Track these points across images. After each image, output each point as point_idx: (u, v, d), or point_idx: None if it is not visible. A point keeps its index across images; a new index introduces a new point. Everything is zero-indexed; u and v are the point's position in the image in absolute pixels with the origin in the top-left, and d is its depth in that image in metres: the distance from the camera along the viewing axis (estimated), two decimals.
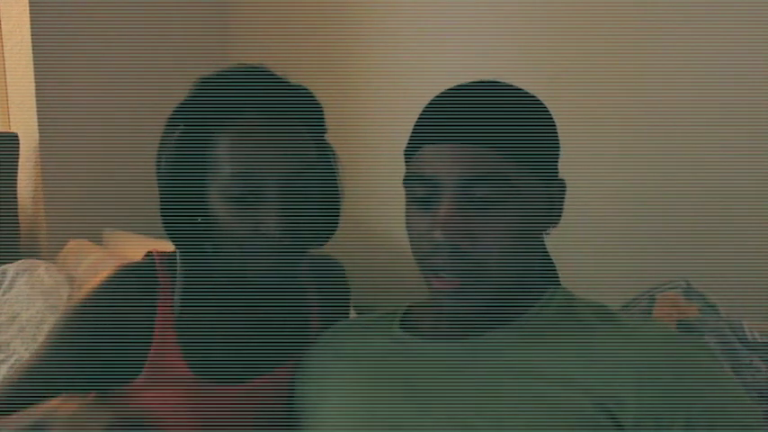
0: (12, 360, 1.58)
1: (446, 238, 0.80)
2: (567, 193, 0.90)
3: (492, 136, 0.81)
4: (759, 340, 1.06)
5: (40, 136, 2.00)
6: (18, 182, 2.01)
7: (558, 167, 0.89)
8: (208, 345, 0.98)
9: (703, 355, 0.82)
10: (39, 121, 1.99)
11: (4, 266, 1.79)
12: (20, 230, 2.03)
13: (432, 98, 0.89)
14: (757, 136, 1.35)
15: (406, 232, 0.88)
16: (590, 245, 1.46)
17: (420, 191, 0.84)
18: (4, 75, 2.09)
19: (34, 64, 1.97)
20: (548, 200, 0.87)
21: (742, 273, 1.34)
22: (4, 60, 2.09)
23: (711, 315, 1.09)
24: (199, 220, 0.96)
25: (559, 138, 0.89)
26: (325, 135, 1.02)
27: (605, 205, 1.50)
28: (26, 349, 1.58)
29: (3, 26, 2.07)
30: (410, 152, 0.88)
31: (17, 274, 1.76)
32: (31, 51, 1.97)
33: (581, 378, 0.78)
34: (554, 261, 1.02)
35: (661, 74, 1.44)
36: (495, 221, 0.81)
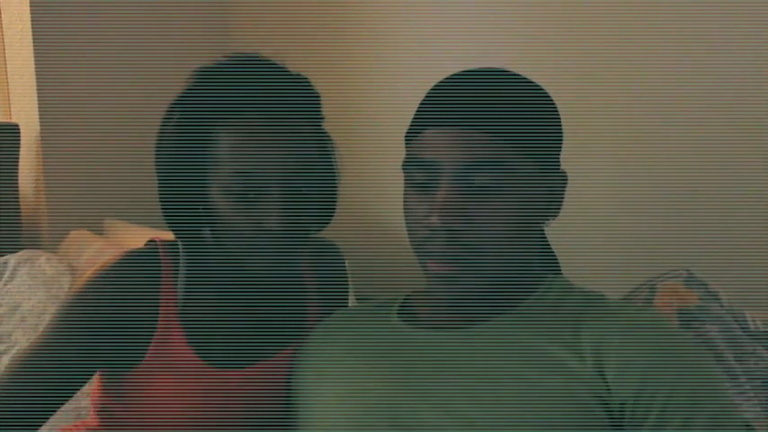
0: (13, 351, 1.57)
1: (443, 222, 0.79)
2: (568, 184, 0.89)
3: (495, 122, 0.80)
4: (762, 329, 1.06)
5: (41, 126, 1.99)
6: (19, 172, 2.00)
7: (561, 159, 0.88)
8: (212, 329, 0.98)
9: (687, 340, 0.82)
10: (40, 112, 1.99)
11: (6, 257, 1.78)
12: (21, 221, 2.03)
13: (436, 82, 0.88)
14: (761, 126, 1.34)
15: (404, 217, 0.87)
16: (592, 235, 1.46)
17: (419, 175, 0.84)
18: (5, 65, 2.08)
19: (35, 54, 1.96)
20: (548, 191, 0.86)
21: (744, 262, 1.34)
22: (4, 50, 2.08)
23: (713, 303, 1.08)
24: (199, 212, 0.96)
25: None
26: (323, 123, 1.01)
27: (607, 195, 1.49)
28: (27, 340, 1.57)
29: (3, 16, 2.06)
30: (411, 136, 0.87)
31: (18, 264, 1.76)
32: (31, 41, 1.96)
33: (573, 366, 0.78)
34: (555, 252, 1.01)
35: (662, 67, 1.44)
36: (492, 208, 0.80)
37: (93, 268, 0.96)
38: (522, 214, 0.82)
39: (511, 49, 1.50)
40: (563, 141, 0.88)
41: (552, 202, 0.88)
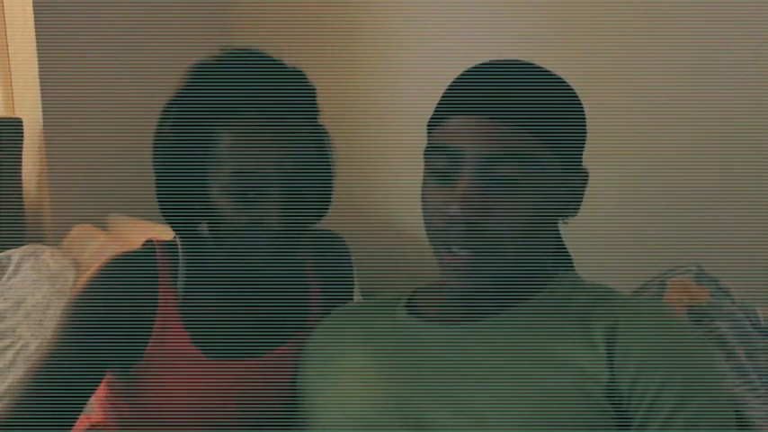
0: (18, 345, 1.57)
1: (463, 212, 0.78)
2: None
3: (522, 114, 0.79)
4: None
5: (45, 121, 1.99)
6: (22, 168, 2.00)
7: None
8: (213, 323, 0.98)
9: (690, 334, 0.82)
10: (43, 107, 1.98)
11: (9, 252, 1.78)
12: (24, 216, 2.03)
13: (464, 70, 0.87)
14: None
15: (421, 205, 0.86)
16: (602, 231, 1.44)
17: (440, 163, 0.82)
18: (8, 60, 2.08)
19: (38, 49, 1.96)
20: (569, 188, 0.85)
21: (756, 258, 1.32)
22: (7, 45, 2.07)
23: (724, 300, 1.06)
24: (197, 210, 0.95)
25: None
26: (318, 117, 1.00)
27: (617, 191, 1.48)
28: (32, 335, 1.58)
29: (6, 11, 2.05)
30: (434, 123, 0.86)
31: (22, 258, 1.76)
32: (34, 36, 1.95)
33: (581, 362, 0.78)
34: (568, 249, 1.00)
35: (673, 64, 1.43)
36: (513, 201, 0.79)
37: (91, 270, 0.96)
38: (541, 210, 0.81)
39: (516, 47, 1.48)
40: (586, 139, 0.87)
41: (572, 201, 0.87)
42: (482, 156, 0.79)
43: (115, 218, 1.99)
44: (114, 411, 1.00)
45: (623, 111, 1.48)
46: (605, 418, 0.75)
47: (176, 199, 0.96)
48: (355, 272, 1.19)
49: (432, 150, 0.84)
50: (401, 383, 0.84)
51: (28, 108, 2.02)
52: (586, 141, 0.87)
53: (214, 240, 0.97)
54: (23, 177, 2.01)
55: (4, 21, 2.06)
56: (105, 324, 0.92)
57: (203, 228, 0.98)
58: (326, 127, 1.01)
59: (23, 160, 1.99)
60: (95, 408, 1.04)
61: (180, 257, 0.98)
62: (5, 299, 1.69)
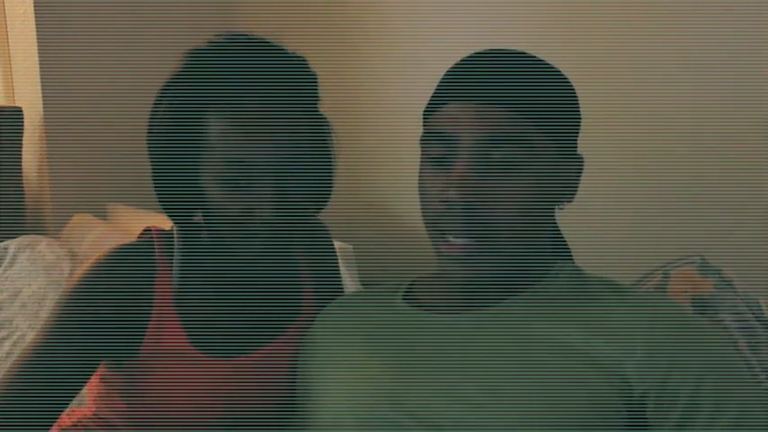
0: (15, 337, 1.57)
1: (460, 197, 0.78)
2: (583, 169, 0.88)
3: (516, 99, 0.79)
4: None
5: (45, 110, 1.98)
6: (23, 156, 1.99)
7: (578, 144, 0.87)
8: (207, 317, 0.96)
9: (712, 331, 0.81)
10: (43, 96, 1.97)
11: (6, 243, 1.77)
12: (25, 205, 2.02)
13: (460, 59, 0.87)
14: None
15: (418, 193, 0.86)
16: (605, 220, 1.45)
17: (437, 149, 0.82)
18: (8, 49, 2.07)
19: (38, 38, 1.95)
20: (564, 173, 0.84)
21: (759, 249, 1.32)
22: (7, 34, 2.07)
23: (727, 291, 1.05)
24: (191, 196, 0.93)
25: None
26: (318, 105, 0.97)
27: (621, 180, 1.48)
28: (29, 326, 1.57)
29: (6, 0, 2.04)
30: (430, 110, 0.86)
31: (18, 250, 1.75)
32: (34, 25, 1.94)
33: (587, 351, 0.77)
34: (566, 238, 0.99)
35: (674, 55, 1.42)
36: (509, 185, 0.79)
37: (88, 263, 0.94)
38: (537, 194, 0.80)
39: (515, 44, 1.48)
40: (581, 126, 0.87)
41: (568, 186, 0.86)
42: (477, 139, 0.79)
43: (115, 207, 1.98)
44: (109, 406, 0.99)
45: (626, 103, 1.47)
46: (608, 407, 0.74)
47: (171, 185, 0.94)
48: (354, 262, 1.18)
49: (428, 137, 0.84)
50: (399, 370, 0.84)
51: (28, 97, 2.01)
52: (580, 127, 0.87)
53: (208, 229, 0.95)
54: (23, 166, 2.00)
55: (4, 10, 2.05)
56: (100, 316, 0.90)
57: (198, 216, 0.96)
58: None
59: (23, 149, 1.99)
60: (88, 402, 1.03)
61: (176, 248, 0.97)
62: (2, 290, 1.68)
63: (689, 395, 0.73)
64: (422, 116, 0.87)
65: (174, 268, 0.95)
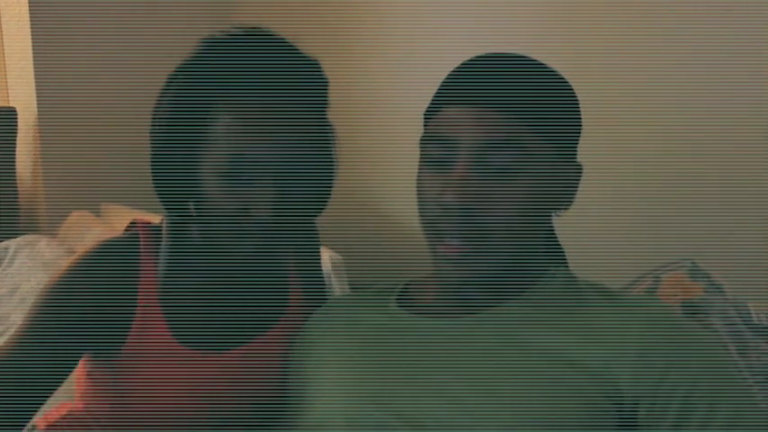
0: (11, 331, 1.54)
1: (457, 200, 0.77)
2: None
3: (515, 103, 0.78)
4: (765, 323, 1.03)
5: (39, 110, 1.98)
6: (17, 156, 1.99)
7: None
8: (192, 313, 0.94)
9: (703, 333, 0.81)
10: (37, 96, 1.97)
11: (7, 242, 1.79)
12: (19, 204, 2.02)
13: (461, 62, 0.86)
14: (765, 118, 1.33)
15: (416, 194, 0.85)
16: (596, 225, 1.44)
17: (435, 152, 0.82)
18: (2, 49, 2.07)
19: (32, 38, 1.95)
20: (562, 180, 0.84)
21: (748, 254, 1.32)
22: (2, 35, 2.06)
23: (717, 296, 1.05)
24: (188, 187, 0.91)
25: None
26: (327, 111, 0.96)
27: (611, 185, 1.48)
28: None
29: (1, 0, 2.03)
30: (430, 113, 0.85)
31: (19, 248, 1.77)
32: (29, 25, 1.94)
33: (579, 356, 0.76)
34: (562, 246, 0.99)
35: (666, 60, 1.42)
36: (507, 190, 0.78)
37: (74, 256, 0.92)
38: (535, 199, 0.80)
39: (515, 45, 1.47)
40: (581, 131, 0.86)
41: (565, 192, 0.86)
42: (476, 143, 0.78)
43: (108, 207, 1.98)
44: (96, 402, 0.98)
45: (619, 108, 1.47)
46: (598, 411, 0.74)
47: (169, 172, 0.92)
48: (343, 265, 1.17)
49: (427, 139, 0.84)
50: (390, 376, 0.83)
51: (22, 97, 2.01)
52: (581, 135, 0.86)
53: (199, 223, 0.94)
54: (18, 166, 2.00)
55: None
56: (82, 310, 0.88)
57: (191, 208, 0.94)
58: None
59: (18, 149, 1.98)
60: (76, 398, 1.02)
61: (163, 242, 0.95)
62: (1, 286, 1.69)
63: (682, 397, 0.73)
64: (422, 118, 0.87)
65: (159, 262, 0.94)
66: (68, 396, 1.15)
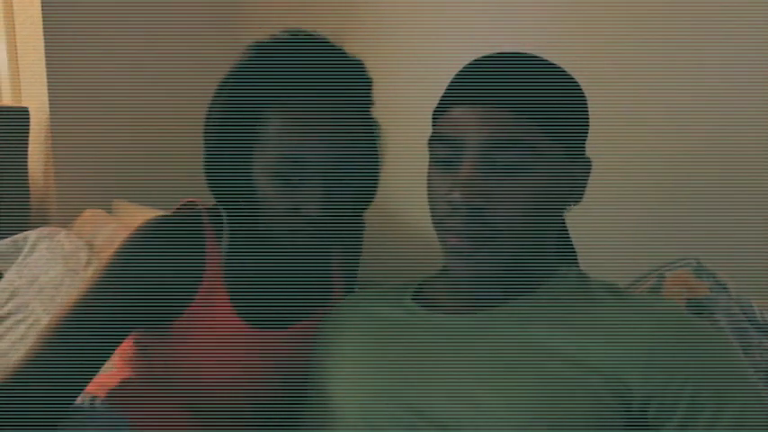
0: (30, 320, 1.59)
1: (464, 198, 0.78)
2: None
3: (520, 101, 0.78)
4: None
5: (51, 110, 1.98)
6: (29, 155, 2.00)
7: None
8: (254, 291, 0.97)
9: (712, 333, 0.80)
10: (49, 96, 1.97)
11: (26, 233, 1.80)
12: (30, 202, 2.02)
13: (466, 63, 0.86)
14: None
15: (427, 194, 0.86)
16: (601, 223, 1.44)
17: (443, 152, 0.82)
18: (16, 51, 2.07)
19: (45, 40, 1.95)
20: (570, 176, 0.84)
21: (753, 253, 1.31)
22: (15, 37, 2.07)
23: (721, 294, 1.05)
24: (241, 186, 0.94)
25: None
26: (371, 109, 0.98)
27: (617, 184, 1.48)
28: (44, 310, 1.59)
29: (15, 2, 2.04)
30: (438, 114, 0.86)
31: (38, 239, 1.78)
32: (41, 27, 1.94)
33: (589, 356, 0.76)
34: (573, 243, 0.99)
35: (672, 60, 1.42)
36: (513, 188, 0.78)
37: (135, 227, 0.93)
38: (542, 196, 0.80)
39: (521, 45, 1.47)
40: (588, 128, 0.86)
41: (574, 188, 0.85)
42: (482, 143, 0.78)
43: (119, 204, 1.99)
44: (144, 369, 1.00)
45: (626, 106, 1.47)
46: (606, 410, 0.74)
47: (223, 173, 0.94)
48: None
49: (435, 139, 0.84)
50: (405, 371, 0.83)
51: (34, 97, 2.01)
52: (589, 130, 0.86)
53: (254, 218, 0.96)
54: (30, 165, 2.01)
55: (13, 12, 2.05)
56: (147, 282, 0.89)
57: (245, 205, 0.96)
58: None
59: (30, 148, 1.99)
60: (119, 366, 1.04)
61: (225, 225, 0.97)
62: (21, 276, 1.71)
63: (690, 397, 0.73)
64: (431, 118, 0.87)
65: (223, 242, 0.96)
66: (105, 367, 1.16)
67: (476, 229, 0.79)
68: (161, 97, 2.09)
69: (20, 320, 1.60)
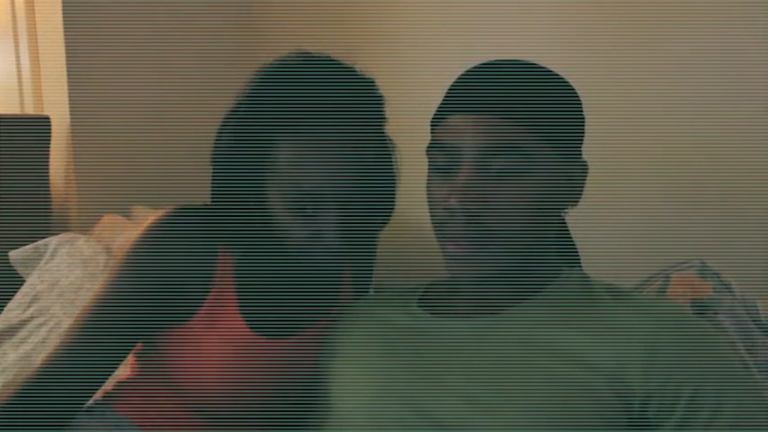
0: (51, 323, 1.61)
1: (461, 204, 0.79)
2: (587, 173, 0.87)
3: (512, 107, 0.79)
4: None
5: (72, 118, 2.00)
6: (50, 162, 2.01)
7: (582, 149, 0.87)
8: (262, 300, 0.96)
9: (712, 333, 0.80)
10: (70, 105, 1.99)
11: (48, 239, 1.82)
12: (52, 208, 2.04)
13: (464, 71, 0.87)
14: None
15: (427, 200, 0.87)
16: (607, 225, 1.44)
17: (441, 159, 0.83)
18: (38, 60, 2.09)
19: (66, 50, 1.97)
20: (567, 179, 0.84)
21: (757, 254, 1.31)
22: (37, 47, 2.09)
23: (726, 295, 1.05)
24: (252, 213, 0.91)
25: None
26: (384, 126, 0.95)
27: (623, 186, 1.47)
28: (65, 313, 1.62)
29: (37, 13, 2.07)
30: (436, 121, 0.87)
31: (59, 245, 1.80)
32: (63, 37, 1.96)
33: (592, 356, 0.77)
34: (576, 245, 0.99)
35: (679, 62, 1.42)
36: (509, 193, 0.79)
37: (151, 221, 0.92)
38: (538, 200, 0.81)
39: (524, 48, 1.47)
40: (584, 131, 0.87)
41: (572, 191, 0.86)
42: (477, 150, 0.79)
43: (138, 209, 2.00)
44: (149, 369, 1.00)
45: (632, 108, 1.47)
46: (609, 411, 0.74)
47: (232, 201, 0.91)
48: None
49: (433, 147, 0.85)
50: (412, 374, 0.84)
51: (56, 106, 2.03)
52: (584, 133, 0.87)
53: (269, 244, 0.93)
54: (51, 172, 2.02)
55: (35, 23, 2.07)
56: (158, 280, 0.89)
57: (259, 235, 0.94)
58: None
59: (51, 156, 2.01)
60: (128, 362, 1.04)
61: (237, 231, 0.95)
62: (42, 281, 1.73)
63: (689, 397, 0.73)
64: (429, 126, 0.88)
65: (235, 251, 0.95)
66: None
67: (473, 234, 0.80)
68: (180, 105, 2.11)
69: (42, 324, 1.62)
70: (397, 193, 1.00)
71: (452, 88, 0.86)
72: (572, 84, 0.86)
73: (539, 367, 0.78)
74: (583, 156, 0.87)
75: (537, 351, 0.79)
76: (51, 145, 2.00)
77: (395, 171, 0.99)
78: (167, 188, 2.04)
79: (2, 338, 1.63)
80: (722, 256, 1.17)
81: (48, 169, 2.00)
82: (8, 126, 1.95)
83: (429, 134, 0.87)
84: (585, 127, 0.87)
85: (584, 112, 0.86)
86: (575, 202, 0.87)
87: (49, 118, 1.99)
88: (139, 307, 0.89)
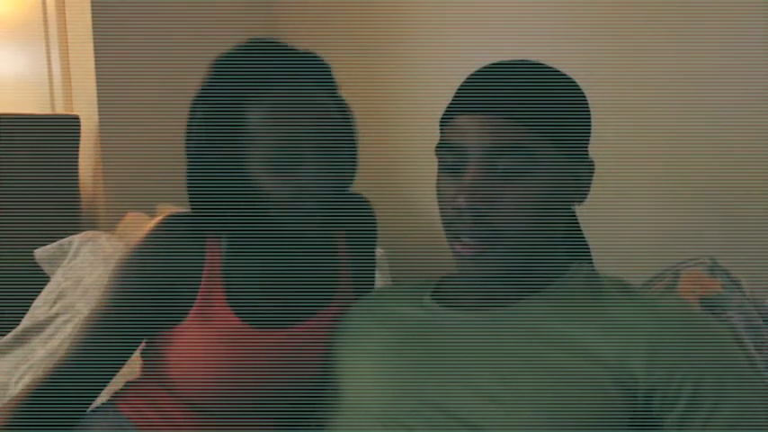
0: (76, 320, 1.63)
1: (468, 203, 0.80)
2: (595, 170, 0.88)
3: (520, 109, 0.80)
4: None
5: (100, 118, 2.03)
6: (80, 161, 2.05)
7: (589, 148, 0.87)
8: (252, 291, 0.99)
9: (717, 329, 0.81)
10: (99, 105, 2.03)
11: (71, 237, 1.84)
12: (81, 204, 2.08)
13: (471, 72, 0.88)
14: None
15: (436, 199, 0.88)
16: (617, 221, 1.43)
17: (449, 159, 0.85)
18: (68, 62, 2.13)
19: (95, 51, 2.01)
20: (573, 177, 0.85)
21: (767, 251, 1.30)
22: (68, 48, 2.13)
23: (735, 292, 1.05)
24: (233, 194, 0.96)
25: (591, 117, 0.87)
26: (339, 90, 1.02)
27: (633, 182, 1.47)
28: (89, 310, 1.62)
29: (67, 16, 2.10)
30: (444, 122, 0.88)
31: (82, 243, 1.82)
32: (92, 39, 2.00)
33: (598, 351, 0.77)
34: (586, 239, 0.99)
35: (687, 59, 1.41)
36: (516, 191, 0.81)
37: (142, 232, 0.97)
38: (545, 198, 0.82)
39: (534, 48, 1.47)
40: (590, 130, 0.88)
41: (578, 189, 0.87)
42: (483, 149, 0.81)
43: (164, 207, 2.00)
44: (148, 369, 1.03)
45: (642, 106, 1.46)
46: (614, 406, 0.75)
47: (211, 184, 0.97)
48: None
49: (441, 147, 0.86)
50: (422, 366, 0.85)
51: (85, 106, 2.07)
52: (591, 132, 0.88)
53: (256, 214, 0.97)
54: (80, 170, 2.06)
55: (66, 25, 2.11)
56: (152, 286, 0.94)
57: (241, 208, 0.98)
58: (358, 121, 1.04)
59: (80, 154, 2.04)
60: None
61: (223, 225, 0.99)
62: (67, 278, 1.76)
63: (690, 394, 0.74)
64: (438, 126, 0.90)
65: (222, 244, 0.99)
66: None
67: (481, 233, 0.81)
68: None
69: (67, 320, 1.65)
70: (358, 149, 1.04)
71: (460, 89, 0.87)
72: (581, 84, 0.87)
73: (545, 360, 0.79)
74: (589, 155, 0.88)
75: (543, 344, 0.80)
76: (81, 144, 2.03)
77: (353, 128, 1.04)
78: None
79: (30, 335, 1.67)
80: (732, 254, 1.16)
81: (77, 168, 2.03)
82: (39, 125, 1.99)
83: (438, 134, 0.89)
84: (597, 126, 0.88)
85: (592, 112, 0.87)
86: (581, 200, 0.88)
87: (78, 117, 2.02)
88: (134, 310, 0.94)
